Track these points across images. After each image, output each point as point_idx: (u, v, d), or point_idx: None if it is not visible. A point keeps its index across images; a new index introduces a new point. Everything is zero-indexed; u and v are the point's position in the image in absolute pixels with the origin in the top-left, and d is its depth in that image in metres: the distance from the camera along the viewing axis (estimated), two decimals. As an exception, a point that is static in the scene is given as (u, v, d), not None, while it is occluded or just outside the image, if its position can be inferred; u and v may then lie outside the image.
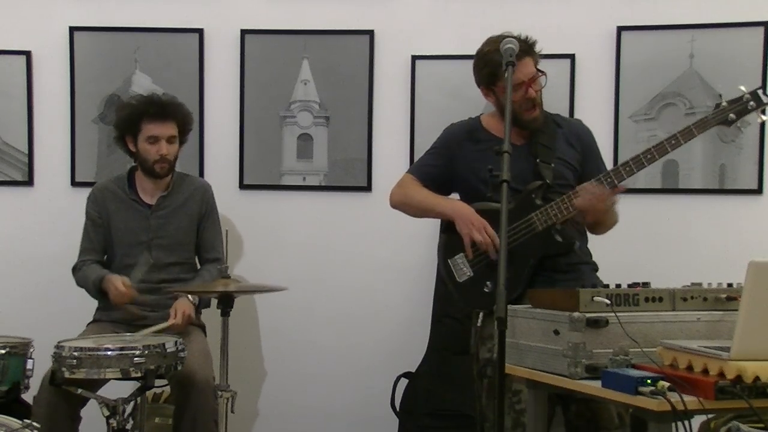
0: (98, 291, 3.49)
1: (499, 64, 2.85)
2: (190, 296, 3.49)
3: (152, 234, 3.58)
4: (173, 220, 3.61)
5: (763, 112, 2.85)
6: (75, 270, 3.62)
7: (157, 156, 3.52)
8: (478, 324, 2.95)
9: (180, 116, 3.60)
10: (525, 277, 2.96)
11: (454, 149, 3.16)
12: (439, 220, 3.21)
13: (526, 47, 2.96)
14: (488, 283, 2.96)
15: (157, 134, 3.51)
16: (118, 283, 3.40)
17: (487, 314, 2.91)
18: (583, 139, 3.17)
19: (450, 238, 3.10)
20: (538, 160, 3.03)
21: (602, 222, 3.07)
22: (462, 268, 3.07)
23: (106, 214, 3.62)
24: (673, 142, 2.86)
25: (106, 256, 3.65)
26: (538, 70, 3.02)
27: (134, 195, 3.62)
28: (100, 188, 3.68)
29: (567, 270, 3.02)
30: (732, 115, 2.84)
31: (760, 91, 2.84)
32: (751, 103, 2.84)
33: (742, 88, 2.86)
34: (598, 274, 3.13)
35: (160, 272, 3.56)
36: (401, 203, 3.25)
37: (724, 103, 2.85)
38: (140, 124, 3.53)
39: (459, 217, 3.04)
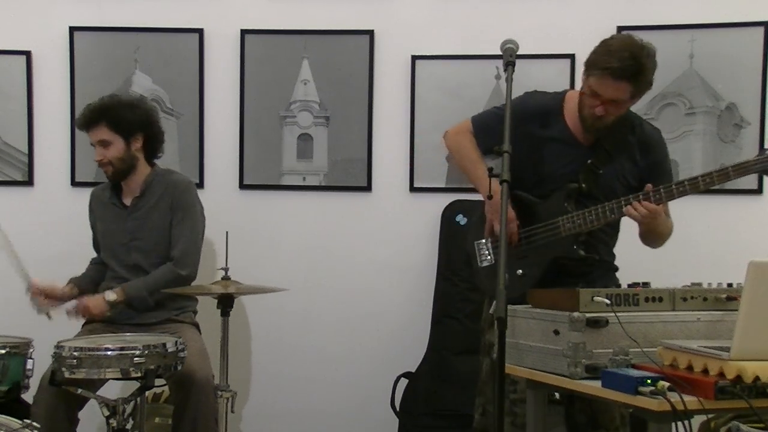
0: None
1: (598, 68, 2.76)
2: (111, 294, 3.45)
3: (130, 236, 3.57)
4: (148, 221, 3.57)
5: None
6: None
7: (96, 161, 3.55)
8: (490, 311, 2.96)
9: (109, 117, 3.50)
10: (538, 277, 2.91)
11: (520, 123, 2.77)
12: (439, 221, 3.19)
13: (630, 72, 2.74)
14: (506, 274, 2.93)
15: (91, 141, 3.56)
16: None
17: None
18: (652, 154, 2.99)
19: (482, 220, 3.04)
20: (589, 162, 2.93)
21: (653, 234, 2.96)
22: (485, 253, 3.03)
23: (94, 219, 3.70)
24: (707, 180, 2.73)
25: (102, 258, 3.71)
26: (638, 96, 2.82)
27: (115, 198, 3.62)
28: (93, 193, 3.73)
29: (579, 274, 2.93)
30: None
31: None
32: None
33: None
34: (618, 274, 3.07)
35: (144, 274, 3.54)
36: (452, 151, 3.14)
37: None
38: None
39: (492, 205, 2.89)
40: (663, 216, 2.85)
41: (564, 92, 3.05)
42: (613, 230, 3.06)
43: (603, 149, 2.93)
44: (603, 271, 3.03)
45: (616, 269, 3.10)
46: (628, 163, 2.97)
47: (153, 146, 3.63)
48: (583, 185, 2.91)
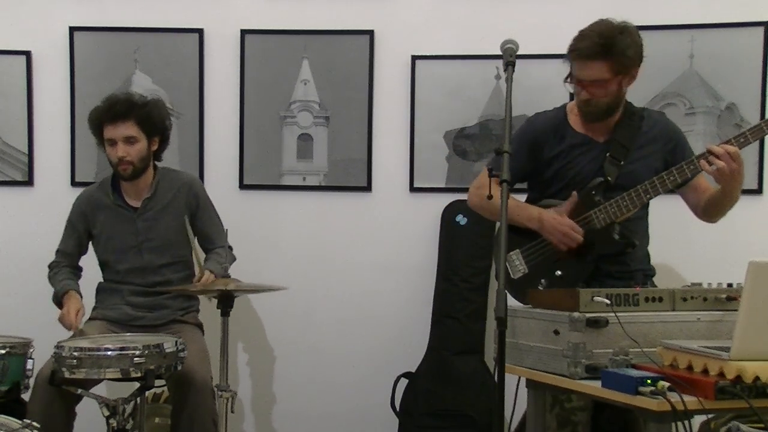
0: (58, 303, 3.45)
1: (571, 53, 2.88)
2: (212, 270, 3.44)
3: (141, 237, 3.54)
4: (160, 220, 3.56)
5: None
6: (50, 268, 3.61)
7: (116, 159, 3.45)
8: None
9: (139, 114, 3.46)
10: (584, 275, 2.91)
11: (541, 143, 3.04)
12: (439, 221, 3.19)
13: (598, 49, 2.84)
14: (543, 280, 2.96)
15: (112, 136, 3.44)
16: (72, 312, 3.33)
17: None
18: (667, 134, 3.05)
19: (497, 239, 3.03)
20: (608, 155, 2.96)
21: (732, 192, 2.90)
22: (516, 265, 3.04)
23: (93, 224, 3.60)
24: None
25: (102, 262, 3.63)
26: (623, 74, 2.88)
27: (119, 200, 3.57)
28: (86, 197, 3.64)
29: (619, 277, 2.93)
30: None
31: None
32: None
33: None
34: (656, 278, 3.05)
35: (154, 275, 3.54)
36: (480, 207, 3.10)
37: None
38: (102, 129, 3.49)
39: (545, 229, 2.94)
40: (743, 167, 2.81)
41: (564, 105, 3.13)
42: (641, 232, 3.05)
43: (617, 142, 2.98)
44: (641, 277, 2.98)
45: (653, 274, 3.09)
46: (649, 145, 3.01)
47: (163, 149, 3.63)
48: (609, 177, 2.94)
